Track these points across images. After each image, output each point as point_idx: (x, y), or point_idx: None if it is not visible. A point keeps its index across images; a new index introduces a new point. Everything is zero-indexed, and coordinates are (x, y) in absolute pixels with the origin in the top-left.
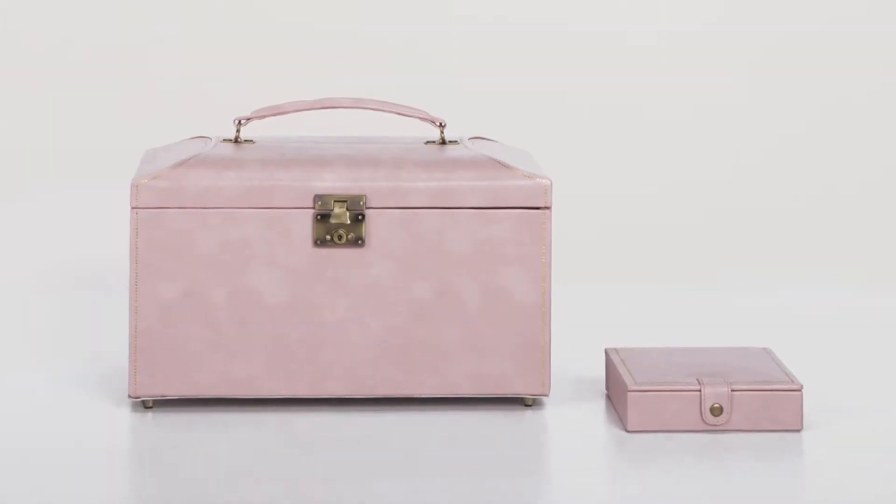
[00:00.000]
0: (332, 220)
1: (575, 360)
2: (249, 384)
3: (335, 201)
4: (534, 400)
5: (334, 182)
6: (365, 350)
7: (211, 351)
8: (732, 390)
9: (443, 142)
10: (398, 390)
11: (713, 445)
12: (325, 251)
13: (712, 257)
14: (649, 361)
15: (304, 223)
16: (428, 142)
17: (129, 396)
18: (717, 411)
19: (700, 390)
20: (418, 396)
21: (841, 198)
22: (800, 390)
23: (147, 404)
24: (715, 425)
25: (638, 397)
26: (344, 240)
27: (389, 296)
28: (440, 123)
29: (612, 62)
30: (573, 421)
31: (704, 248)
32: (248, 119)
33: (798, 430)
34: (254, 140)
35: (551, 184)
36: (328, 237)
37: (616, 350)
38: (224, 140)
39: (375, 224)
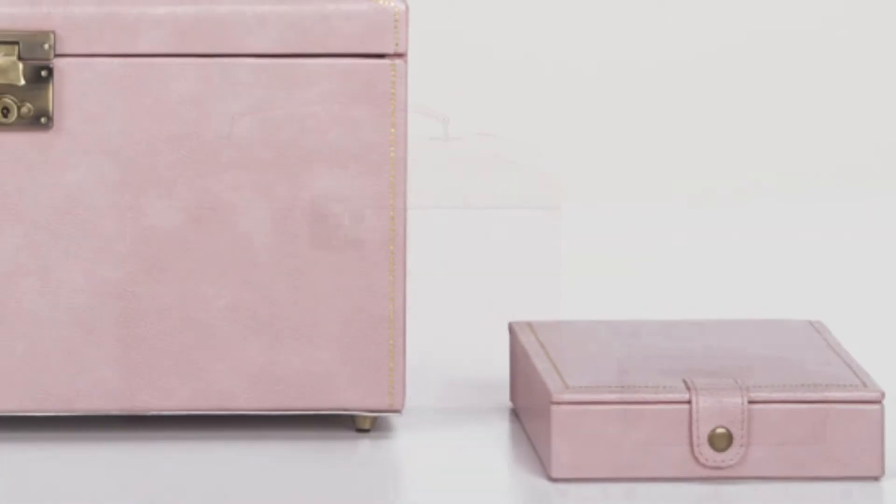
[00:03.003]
0: None
1: (451, 345)
2: None
3: None
4: (374, 421)
5: None
6: (56, 329)
7: None
8: (751, 402)
9: None
10: (117, 403)
11: None
12: None
13: (691, 165)
14: (592, 347)
15: None
16: None
17: None
18: (721, 441)
19: (689, 401)
20: (157, 414)
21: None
22: (880, 402)
23: None
24: (717, 467)
25: (570, 415)
26: (14, 116)
27: (101, 225)
28: None
29: None
30: (446, 462)
31: (680, 149)
32: None
33: (877, 478)
34: None
35: (406, 10)
36: None
37: (529, 326)
38: None
39: (73, 86)
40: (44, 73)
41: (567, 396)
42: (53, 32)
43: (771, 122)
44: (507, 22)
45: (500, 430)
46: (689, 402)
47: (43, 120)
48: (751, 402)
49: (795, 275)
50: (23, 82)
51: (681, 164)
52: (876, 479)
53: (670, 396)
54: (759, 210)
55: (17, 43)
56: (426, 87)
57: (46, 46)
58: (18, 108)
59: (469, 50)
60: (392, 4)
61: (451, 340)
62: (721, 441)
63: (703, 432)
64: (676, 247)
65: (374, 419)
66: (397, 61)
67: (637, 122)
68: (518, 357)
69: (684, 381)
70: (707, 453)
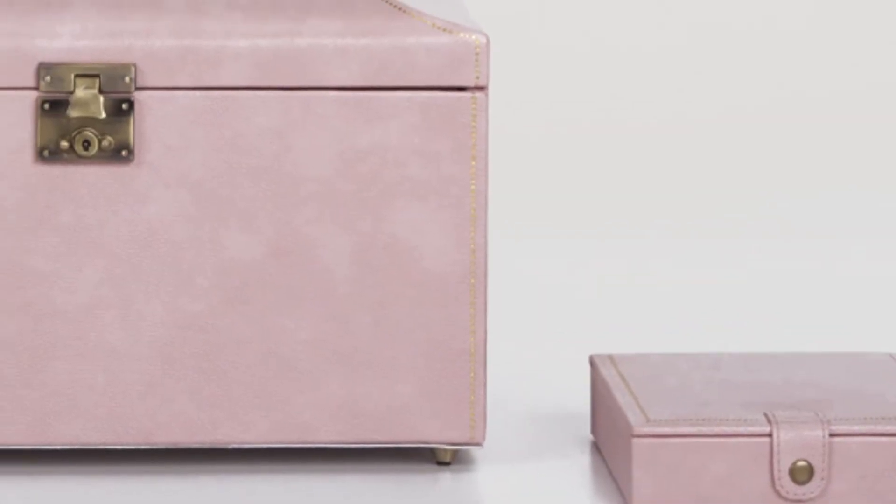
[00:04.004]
0: (73, 113)
1: (530, 377)
2: None
3: (77, 76)
4: (455, 454)
5: (75, 40)
6: (136, 362)
7: None
8: (832, 435)
9: None
10: (198, 436)
11: None
12: (57, 171)
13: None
14: (672, 380)
15: (17, 117)
16: None
17: None
18: (802, 474)
19: (771, 434)
20: (238, 447)
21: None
22: None
23: None
24: (798, 500)
25: (651, 448)
26: (95, 149)
27: (182, 258)
28: None
29: None
30: (527, 494)
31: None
32: None
33: None
34: None
35: (487, 43)
36: (65, 144)
37: (610, 359)
38: None
39: (153, 119)
40: (125, 106)
41: (648, 429)
42: (134, 65)
43: (843, 154)
44: (587, 55)
45: (581, 463)
46: (769, 434)
47: (124, 153)
48: (832, 434)
49: (875, 307)
50: (104, 115)
51: (757, 196)
52: None
53: (751, 429)
54: (837, 241)
55: (98, 76)
56: (506, 119)
57: (127, 79)
58: (99, 142)
59: (549, 81)
60: (473, 37)
61: (532, 373)
62: (802, 474)
63: (783, 465)
64: (756, 278)
65: (455, 452)
66: (478, 94)
67: (706, 158)
68: (599, 390)
69: (765, 414)
70: (788, 486)
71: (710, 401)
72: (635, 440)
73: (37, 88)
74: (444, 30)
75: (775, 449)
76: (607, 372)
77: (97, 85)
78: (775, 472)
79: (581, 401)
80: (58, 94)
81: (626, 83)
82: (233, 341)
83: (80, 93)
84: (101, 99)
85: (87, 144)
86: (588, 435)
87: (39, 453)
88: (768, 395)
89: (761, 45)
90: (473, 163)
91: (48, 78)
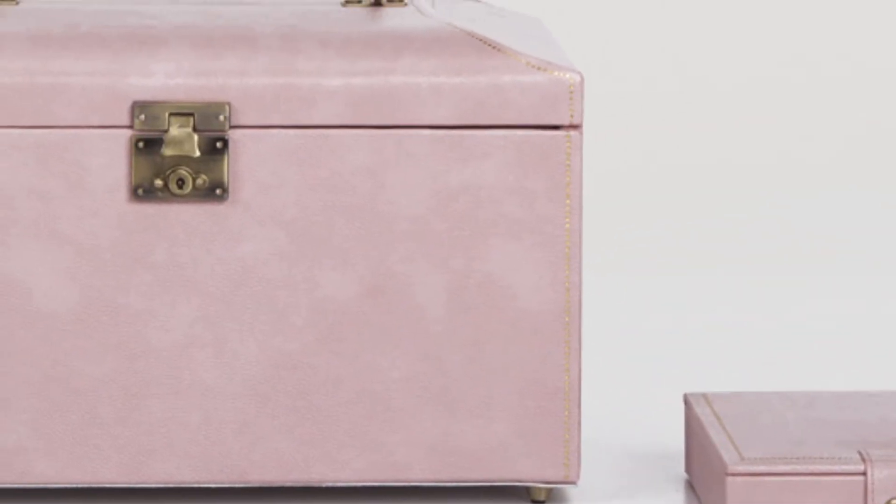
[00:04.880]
0: (167, 151)
1: (625, 416)
2: (9, 464)
3: (171, 114)
4: (549, 492)
5: (169, 78)
6: (230, 400)
7: None
8: None
9: (377, 1)
10: (292, 474)
11: None
12: (152, 210)
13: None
14: (766, 418)
15: (111, 156)
16: (348, 1)
17: None
18: None
19: (865, 472)
20: (332, 485)
21: None
22: None
23: None
24: None
25: (745, 486)
26: (189, 187)
27: (276, 296)
28: None
29: None
30: None
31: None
32: None
33: None
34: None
35: (582, 81)
36: (160, 182)
37: (704, 397)
38: None
39: (248, 157)
40: (219, 144)
41: (742, 468)
42: (229, 104)
43: None
44: (680, 92)
45: (675, 501)
46: (864, 473)
47: (218, 191)
48: None
49: None
50: (198, 154)
51: (852, 233)
52: None
53: (845, 468)
54: None
55: (192, 114)
56: (600, 157)
57: (221, 118)
58: (194, 180)
59: (643, 119)
60: (567, 76)
61: (627, 411)
62: None
63: (878, 503)
64: (852, 316)
65: (550, 490)
66: (573, 132)
67: (799, 196)
68: (693, 428)
69: (859, 453)
70: None
71: (804, 439)
72: (730, 479)
73: (131, 127)
74: (539, 68)
75: (870, 487)
76: (701, 410)
77: (191, 123)
78: None
79: (675, 439)
80: (152, 133)
81: (720, 120)
82: (327, 380)
83: (175, 131)
84: (196, 137)
85: (181, 183)
86: (682, 473)
87: (134, 492)
88: (863, 434)
89: (858, 81)
90: (568, 201)
91: (142, 116)
